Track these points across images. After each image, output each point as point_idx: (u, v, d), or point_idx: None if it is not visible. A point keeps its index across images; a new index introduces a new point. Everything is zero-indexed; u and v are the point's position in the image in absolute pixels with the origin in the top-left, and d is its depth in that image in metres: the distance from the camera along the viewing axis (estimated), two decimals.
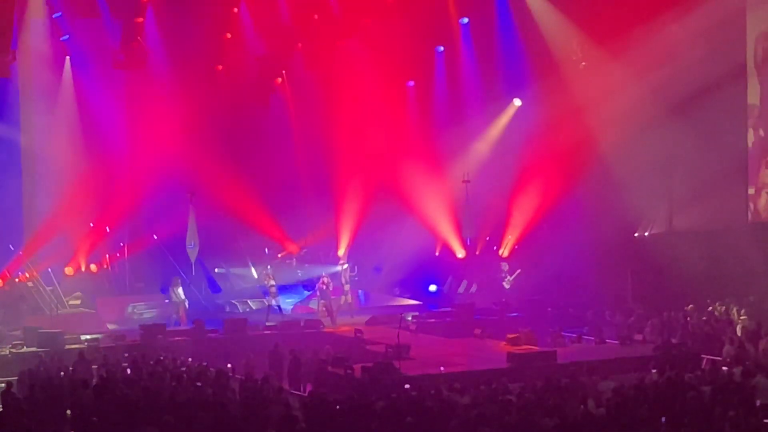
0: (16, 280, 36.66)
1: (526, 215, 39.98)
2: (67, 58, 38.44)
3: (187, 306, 35.80)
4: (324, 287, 36.94)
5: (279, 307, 36.72)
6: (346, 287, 37.74)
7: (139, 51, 37.87)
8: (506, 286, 38.65)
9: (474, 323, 34.23)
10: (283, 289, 37.98)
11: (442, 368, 26.42)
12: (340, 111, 41.29)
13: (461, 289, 40.57)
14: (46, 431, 19.01)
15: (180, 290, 35.71)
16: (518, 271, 38.68)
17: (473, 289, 40.59)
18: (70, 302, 36.84)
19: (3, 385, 23.44)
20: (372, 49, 40.18)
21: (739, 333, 29.44)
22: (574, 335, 31.84)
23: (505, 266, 39.11)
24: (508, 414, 19.06)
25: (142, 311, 36.89)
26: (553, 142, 38.00)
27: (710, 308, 33.03)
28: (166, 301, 37.19)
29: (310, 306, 38.30)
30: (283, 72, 39.84)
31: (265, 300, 37.44)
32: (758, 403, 19.98)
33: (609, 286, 37.46)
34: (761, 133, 36.51)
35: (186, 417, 19.18)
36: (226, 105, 40.71)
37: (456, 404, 20.29)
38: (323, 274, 37.84)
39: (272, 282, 36.69)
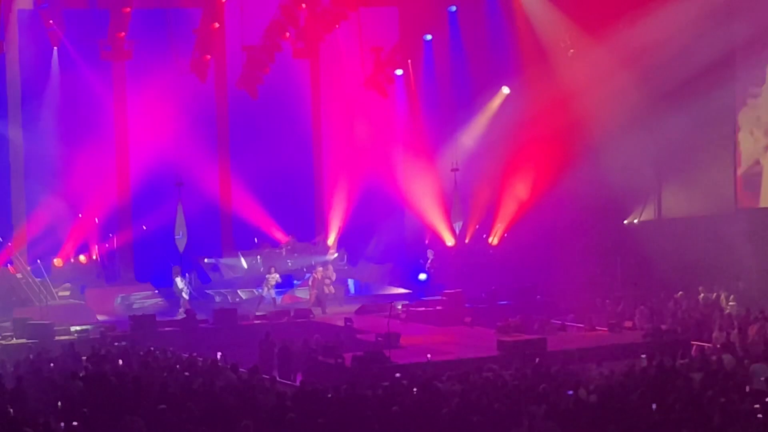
0: (5, 271, 36.56)
1: (516, 203, 39.99)
2: (55, 49, 38.29)
3: (186, 296, 35.88)
4: (316, 277, 36.95)
5: (273, 298, 36.82)
6: (331, 277, 37.78)
7: (127, 42, 37.73)
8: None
9: (464, 311, 34.23)
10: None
11: (429, 356, 26.44)
12: (328, 100, 41.26)
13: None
14: (36, 422, 18.95)
15: (179, 279, 35.81)
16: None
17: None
18: (60, 293, 36.74)
19: None
20: (360, 38, 40.14)
21: (728, 320, 29.52)
22: (560, 323, 31.89)
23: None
24: (499, 402, 19.10)
25: (142, 301, 36.92)
26: (541, 130, 37.97)
27: (700, 295, 33.10)
28: (156, 291, 37.24)
29: (299, 295, 38.28)
30: (272, 62, 39.67)
31: (255, 291, 37.50)
32: (747, 388, 20.07)
33: (598, 274, 37.47)
34: None
35: (177, 407, 19.19)
36: (214, 95, 40.67)
37: (447, 392, 20.33)
38: (313, 263, 37.86)
39: (276, 276, 36.85)
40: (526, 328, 30.63)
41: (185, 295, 35.94)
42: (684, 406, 18.36)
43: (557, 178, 37.76)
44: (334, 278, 37.71)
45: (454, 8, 41.10)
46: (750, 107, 37.16)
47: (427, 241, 41.17)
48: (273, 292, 36.81)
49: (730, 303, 31.57)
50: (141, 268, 39.31)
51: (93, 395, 21.06)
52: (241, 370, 23.79)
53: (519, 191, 39.86)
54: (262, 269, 38.41)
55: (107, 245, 39.24)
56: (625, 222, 39.76)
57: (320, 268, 37.22)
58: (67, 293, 37.09)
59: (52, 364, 25.28)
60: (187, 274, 36.92)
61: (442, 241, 40.79)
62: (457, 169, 39.48)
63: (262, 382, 22.32)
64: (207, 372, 23.64)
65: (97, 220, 38.93)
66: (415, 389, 20.94)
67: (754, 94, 37.03)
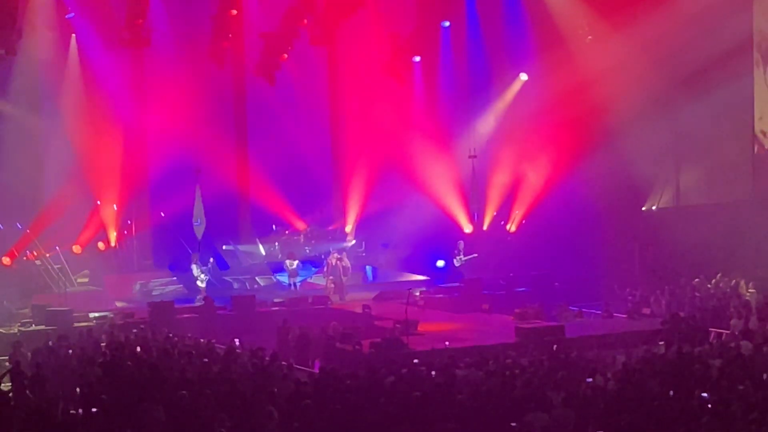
0: (24, 258, 36.71)
1: (534, 190, 39.94)
2: (73, 35, 38.38)
3: (203, 284, 35.93)
4: (333, 263, 36.96)
5: (294, 284, 36.91)
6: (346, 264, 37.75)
7: (145, 29, 37.78)
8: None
9: (482, 298, 34.23)
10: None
11: (447, 343, 26.42)
12: (346, 87, 41.24)
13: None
14: (55, 409, 19.04)
15: (196, 266, 35.89)
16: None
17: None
18: (78, 280, 36.89)
19: (9, 365, 23.47)
20: (377, 24, 40.10)
21: (747, 307, 29.44)
22: (577, 309, 31.86)
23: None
24: (516, 388, 19.11)
25: (161, 288, 36.99)
26: (559, 117, 37.94)
27: (714, 280, 33.00)
28: (175, 277, 37.30)
29: (318, 282, 38.30)
30: (289, 48, 39.73)
31: (273, 277, 37.57)
32: (766, 376, 20.03)
33: (617, 260, 37.46)
34: None
35: (195, 394, 19.22)
36: (231, 82, 40.71)
37: (464, 379, 20.33)
38: (331, 250, 37.87)
39: (295, 263, 36.93)
40: (544, 314, 30.61)
41: (201, 283, 35.95)
42: (702, 393, 18.34)
43: (575, 165, 37.72)
44: (349, 265, 37.66)
45: None
46: None
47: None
48: (297, 278, 36.95)
49: (749, 290, 31.48)
50: (159, 254, 39.39)
51: (112, 382, 21.10)
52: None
53: (537, 178, 39.80)
54: (280, 256, 38.46)
55: (126, 232, 39.35)
56: (643, 209, 39.70)
57: (335, 254, 37.22)
58: (86, 280, 37.24)
59: (70, 351, 25.33)
60: (210, 260, 36.93)
61: (460, 228, 40.77)
62: (474, 156, 39.49)
63: (280, 368, 22.34)
64: (225, 359, 23.67)
65: (115, 206, 39.01)
66: (433, 373, 20.98)
67: None
